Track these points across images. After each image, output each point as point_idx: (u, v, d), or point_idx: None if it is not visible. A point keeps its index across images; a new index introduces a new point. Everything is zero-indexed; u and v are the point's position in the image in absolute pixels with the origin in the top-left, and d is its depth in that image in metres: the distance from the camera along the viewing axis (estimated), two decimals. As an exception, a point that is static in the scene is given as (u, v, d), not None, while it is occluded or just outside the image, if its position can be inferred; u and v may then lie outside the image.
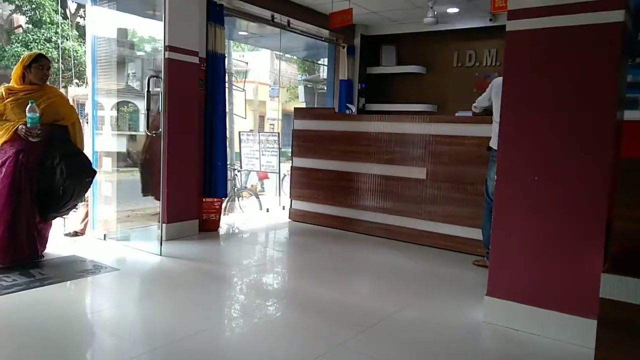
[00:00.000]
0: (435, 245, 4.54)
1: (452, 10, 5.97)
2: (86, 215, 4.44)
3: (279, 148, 6.39)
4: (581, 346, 2.43)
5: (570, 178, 2.54)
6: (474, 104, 4.09)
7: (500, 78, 3.29)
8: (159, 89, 4.11)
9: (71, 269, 3.48)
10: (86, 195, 3.97)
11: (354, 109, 6.86)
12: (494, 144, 3.64)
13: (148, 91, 3.98)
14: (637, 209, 2.12)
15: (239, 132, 6.79)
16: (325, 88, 7.76)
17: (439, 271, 3.89)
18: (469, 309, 2.99)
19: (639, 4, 3.24)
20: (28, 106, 3.32)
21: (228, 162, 5.35)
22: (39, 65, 3.50)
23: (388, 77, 7.28)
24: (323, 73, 10.21)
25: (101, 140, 4.57)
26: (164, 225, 4.22)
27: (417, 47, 7.02)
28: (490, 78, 5.31)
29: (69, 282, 3.22)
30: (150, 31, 5.11)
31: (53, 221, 3.77)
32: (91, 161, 3.90)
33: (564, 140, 2.56)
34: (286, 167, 6.39)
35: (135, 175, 4.87)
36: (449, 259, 4.20)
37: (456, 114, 5.31)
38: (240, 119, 8.24)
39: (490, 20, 5.87)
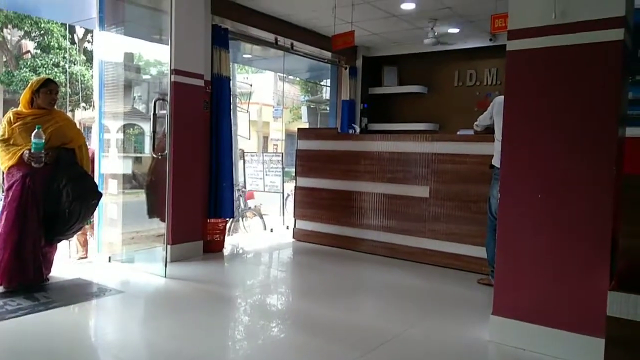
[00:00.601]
0: (439, 264, 4.52)
1: (453, 30, 6.05)
2: (85, 241, 4.44)
3: (283, 168, 6.43)
4: (590, 365, 2.40)
5: (573, 195, 2.54)
6: (475, 123, 4.12)
7: (502, 97, 3.33)
8: (164, 112, 4.16)
9: (76, 292, 3.48)
10: (92, 218, 3.99)
11: (357, 129, 6.91)
12: (496, 162, 3.65)
13: (154, 114, 4.03)
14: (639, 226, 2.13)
15: (243, 152, 6.84)
16: (328, 108, 7.83)
17: (444, 290, 3.86)
18: (474, 328, 2.97)
19: (639, 22, 3.29)
20: (34, 132, 3.36)
21: (235, 183, 5.38)
22: (47, 89, 3.56)
23: (390, 97, 7.35)
24: (326, 94, 10.32)
25: (107, 163, 4.62)
26: (168, 246, 4.23)
27: (419, 67, 7.10)
28: (491, 97, 5.36)
29: (73, 305, 3.21)
30: (157, 55, 5.20)
31: (58, 244, 3.78)
32: (97, 184, 3.94)
33: (567, 158, 2.57)
34: (290, 186, 6.41)
35: (140, 196, 4.89)
36: (453, 278, 4.18)
37: (458, 133, 5.34)
38: (244, 139, 8.31)
39: (490, 40, 5.94)
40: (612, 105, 2.46)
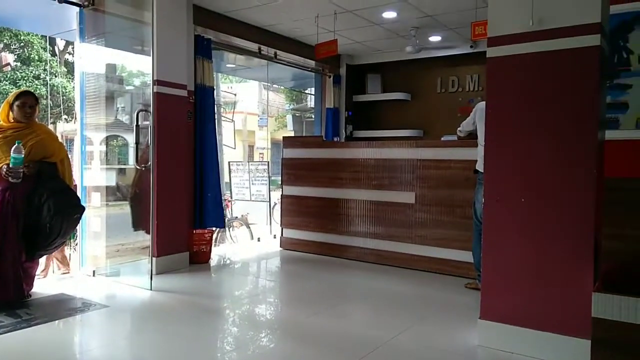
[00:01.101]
0: (427, 269, 4.54)
1: (435, 38, 6.13)
2: (63, 257, 4.34)
3: (269, 177, 6.41)
4: (577, 367, 2.42)
5: (556, 198, 2.58)
6: (458, 128, 4.16)
7: (483, 102, 3.37)
8: (148, 123, 4.13)
9: (59, 308, 3.41)
10: (75, 232, 3.93)
11: (341, 136, 6.94)
12: (480, 166, 3.69)
13: (137, 125, 4.00)
14: (621, 228, 2.16)
15: (229, 162, 6.81)
16: (313, 116, 7.85)
17: (432, 295, 3.88)
18: (463, 333, 2.98)
19: (614, 28, 3.36)
20: (14, 147, 3.30)
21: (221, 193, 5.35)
22: (20, 102, 3.48)
23: (374, 104, 7.40)
24: (310, 102, 10.34)
25: (90, 175, 4.56)
26: (154, 259, 4.17)
27: (402, 75, 7.16)
28: (473, 102, 5.42)
29: (57, 321, 3.15)
30: (139, 66, 5.17)
31: (40, 260, 3.71)
32: (80, 198, 3.88)
33: (549, 162, 2.61)
34: (276, 195, 6.39)
35: (124, 209, 4.84)
36: (441, 283, 4.20)
37: (442, 139, 5.39)
38: (229, 149, 8.28)
39: (471, 46, 6.03)
40: (592, 109, 2.50)
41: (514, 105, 2.72)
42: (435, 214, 4.52)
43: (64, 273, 4.29)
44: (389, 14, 5.22)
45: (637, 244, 2.14)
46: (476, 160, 3.86)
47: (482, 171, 3.05)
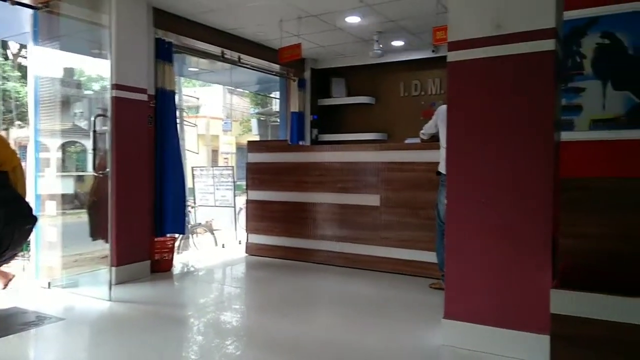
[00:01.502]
0: (392, 271, 4.57)
1: (397, 43, 6.21)
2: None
3: (234, 182, 6.33)
4: (538, 363, 2.47)
5: (516, 199, 2.64)
6: (421, 131, 4.22)
7: (445, 105, 3.42)
8: (106, 128, 4.00)
9: (12, 322, 3.25)
10: (28, 243, 3.75)
11: (307, 139, 6.93)
12: (442, 168, 3.75)
13: (94, 130, 3.87)
14: (577, 226, 2.22)
15: (192, 168, 6.69)
16: (279, 120, 7.82)
17: (397, 297, 3.90)
18: (427, 332, 3.00)
19: (568, 33, 3.49)
20: None
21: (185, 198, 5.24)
22: None
23: (339, 108, 7.43)
24: (275, 106, 10.30)
25: (45, 183, 4.37)
26: (113, 268, 4.03)
27: (366, 79, 7.22)
28: (435, 106, 5.51)
29: (9, 336, 3.00)
30: (98, 70, 5.02)
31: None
32: (32, 208, 3.71)
33: (508, 163, 2.67)
34: (242, 200, 6.31)
35: (82, 217, 4.67)
36: (406, 284, 4.23)
37: (405, 141, 5.46)
38: (193, 154, 8.14)
39: (433, 51, 6.13)
40: (548, 111, 2.58)
41: (474, 108, 2.77)
42: (399, 216, 4.56)
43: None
44: (353, 19, 5.25)
45: (592, 241, 2.21)
46: (439, 162, 3.92)
47: (445, 173, 3.10)
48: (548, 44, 2.55)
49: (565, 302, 2.01)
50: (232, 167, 6.55)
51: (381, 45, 5.97)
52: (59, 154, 4.90)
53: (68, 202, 4.58)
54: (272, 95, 11.01)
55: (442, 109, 3.81)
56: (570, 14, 3.37)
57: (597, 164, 3.51)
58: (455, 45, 2.80)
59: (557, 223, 2.54)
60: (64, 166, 4.86)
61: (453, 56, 2.81)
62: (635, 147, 3.40)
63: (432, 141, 4.15)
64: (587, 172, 3.41)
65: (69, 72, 5.25)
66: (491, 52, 2.69)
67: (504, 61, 2.67)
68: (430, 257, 4.22)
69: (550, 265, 2.53)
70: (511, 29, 2.63)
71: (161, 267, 4.65)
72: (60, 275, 4.21)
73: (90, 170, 4.55)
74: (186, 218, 6.16)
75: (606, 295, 1.97)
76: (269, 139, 12.72)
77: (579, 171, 3.38)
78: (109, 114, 3.98)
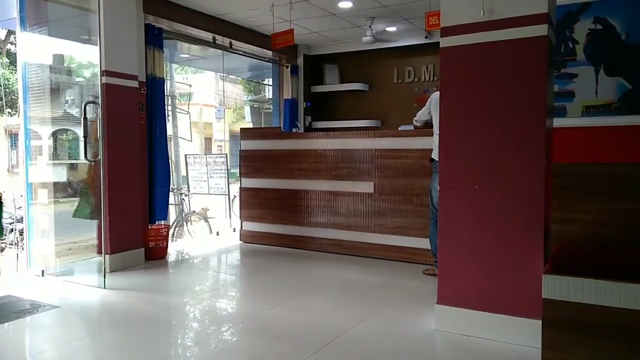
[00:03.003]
0: (386, 257, 4.60)
1: (390, 28, 6.17)
2: None
3: (227, 169, 6.32)
4: (532, 347, 2.51)
5: (508, 185, 2.65)
6: (415, 118, 4.22)
7: (438, 92, 3.42)
8: (97, 115, 3.97)
9: (6, 310, 3.25)
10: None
11: (301, 128, 6.91)
12: (435, 155, 3.75)
13: (85, 118, 3.84)
14: (569, 212, 2.24)
15: (185, 155, 6.66)
16: (272, 108, 7.78)
17: (391, 283, 3.93)
18: (421, 318, 3.04)
19: (561, 18, 3.48)
20: None
21: (174, 186, 5.23)
22: None
23: (332, 94, 7.40)
24: (268, 93, 10.23)
25: (36, 171, 4.34)
26: (107, 256, 4.03)
27: (359, 65, 7.18)
28: (428, 92, 5.51)
29: (4, 324, 3.00)
30: (89, 56, 4.96)
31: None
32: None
33: (500, 149, 2.68)
34: (236, 188, 6.31)
35: (75, 205, 4.65)
36: (400, 270, 4.26)
37: (399, 128, 5.46)
38: (186, 142, 8.10)
39: (426, 37, 6.11)
40: (540, 97, 2.58)
41: (467, 95, 2.77)
42: (393, 203, 4.58)
43: None
44: (345, 4, 5.21)
45: (584, 227, 2.23)
46: (432, 149, 3.92)
47: (438, 159, 3.10)
48: (540, 30, 2.55)
49: (557, 287, 2.04)
50: (226, 154, 6.52)
51: (374, 31, 5.94)
52: (51, 142, 4.86)
53: (61, 190, 4.56)
54: (265, 82, 10.93)
55: (435, 95, 3.81)
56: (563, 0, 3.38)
57: (589, 150, 3.54)
58: (447, 31, 2.79)
59: (549, 208, 2.56)
60: (55, 154, 4.82)
61: (446, 42, 2.80)
62: (628, 133, 3.43)
63: (426, 128, 4.14)
64: (580, 158, 3.44)
65: (58, 58, 5.18)
66: (484, 38, 2.68)
67: (497, 47, 2.66)
68: (424, 243, 4.25)
69: (542, 250, 2.55)
70: (503, 14, 2.61)
71: (156, 255, 4.65)
72: (54, 263, 4.21)
73: (82, 158, 4.53)
74: (177, 206, 6.16)
75: (597, 280, 1.99)
76: (263, 126, 12.66)
77: (572, 157, 3.41)
78: (99, 101, 3.94)
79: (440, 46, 2.81)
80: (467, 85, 2.77)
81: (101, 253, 3.99)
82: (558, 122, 3.27)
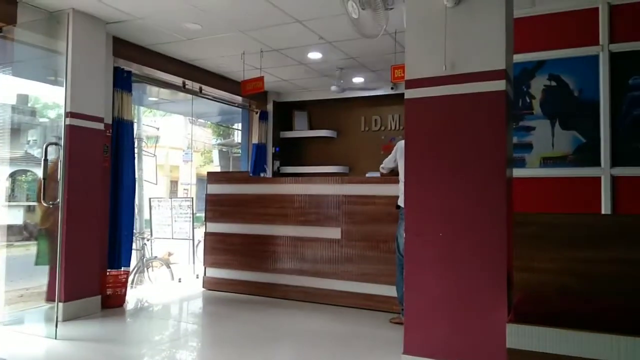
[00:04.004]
0: (353, 305, 4.54)
1: (358, 79, 6.37)
2: None
3: (193, 213, 6.20)
4: (495, 398, 2.48)
5: (471, 233, 2.69)
6: (381, 166, 4.29)
7: (403, 141, 3.50)
8: (59, 156, 3.87)
9: (-56, 364, 3.01)
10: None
11: (269, 172, 6.92)
12: (401, 202, 3.80)
13: (45, 159, 3.73)
14: (530, 260, 2.28)
15: (150, 199, 6.52)
16: (240, 152, 7.78)
17: (357, 332, 3.86)
18: (388, 369, 2.97)
19: (518, 75, 3.68)
20: None
21: (136, 230, 5.10)
22: None
23: (301, 140, 7.48)
24: (237, 137, 10.27)
25: (-11, 213, 4.16)
26: (60, 304, 3.83)
27: (328, 113, 7.34)
28: (394, 141, 5.64)
29: (-61, 380, 2.77)
30: (54, 97, 4.90)
31: None
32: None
33: (463, 198, 2.73)
34: (201, 233, 6.18)
35: (30, 249, 4.45)
36: (367, 318, 4.20)
37: (366, 175, 5.53)
38: (151, 184, 7.95)
39: (392, 88, 6.31)
40: (500, 148, 2.67)
41: (431, 144, 2.84)
42: (360, 249, 4.57)
43: None
44: (314, 55, 5.36)
45: (544, 275, 2.27)
46: (398, 196, 3.97)
47: (404, 206, 3.14)
48: (499, 85, 2.67)
49: (520, 336, 2.04)
50: (192, 198, 6.42)
51: (342, 81, 6.12)
52: (8, 183, 4.69)
53: (16, 233, 4.36)
54: (234, 127, 10.99)
55: (401, 144, 3.90)
56: (519, 57, 3.58)
57: (547, 199, 3.66)
58: (411, 84, 2.89)
59: (511, 257, 2.60)
60: (12, 195, 4.65)
61: (410, 94, 2.90)
62: (583, 184, 3.58)
63: (392, 175, 4.21)
64: (539, 208, 3.55)
65: (22, 98, 5.09)
66: (446, 91, 2.79)
67: (458, 99, 2.77)
68: (391, 290, 4.22)
69: (506, 300, 2.57)
70: (464, 69, 2.74)
71: (113, 303, 4.44)
72: (2, 311, 3.96)
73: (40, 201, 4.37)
74: (138, 251, 5.97)
75: (559, 329, 2.01)
76: (231, 170, 12.62)
77: (531, 206, 3.51)
78: (62, 142, 3.86)
79: (405, 97, 2.91)
80: (430, 135, 2.85)
81: (50, 300, 3.79)
82: (518, 173, 3.39)
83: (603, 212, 3.43)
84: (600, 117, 3.51)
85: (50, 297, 4.01)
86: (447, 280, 2.72)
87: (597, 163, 3.51)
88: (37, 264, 4.29)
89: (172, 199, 6.33)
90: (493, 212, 2.65)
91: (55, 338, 3.48)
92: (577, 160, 3.58)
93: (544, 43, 3.68)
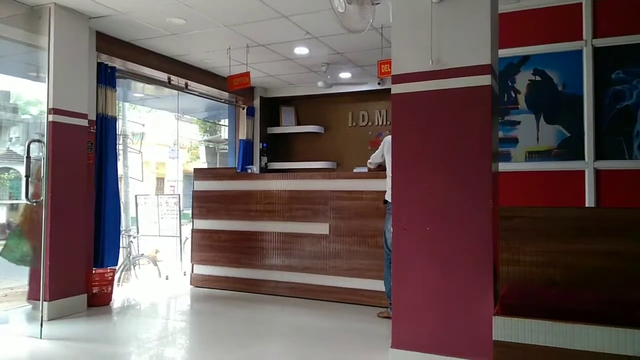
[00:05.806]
0: (341, 300, 4.55)
1: (345, 74, 6.36)
2: None
3: (180, 210, 6.15)
4: (482, 390, 2.50)
5: (457, 227, 2.71)
6: (369, 161, 4.30)
7: (390, 136, 3.51)
8: (42, 154, 3.81)
9: None
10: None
11: (255, 169, 6.89)
12: (388, 197, 3.81)
13: (28, 157, 3.67)
14: (515, 253, 2.31)
15: (136, 196, 6.46)
16: (227, 148, 7.74)
17: (346, 327, 3.87)
18: (376, 364, 2.99)
19: (504, 70, 3.70)
20: None
21: (122, 228, 5.04)
22: None
23: (288, 136, 7.46)
24: (224, 133, 10.20)
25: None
26: (45, 303, 3.77)
27: (315, 108, 7.33)
28: (382, 136, 5.66)
29: None
30: (37, 94, 4.82)
31: None
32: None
33: (450, 192, 2.75)
34: (188, 230, 6.14)
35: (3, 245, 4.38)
36: (355, 313, 4.22)
37: (354, 170, 5.54)
38: (137, 182, 7.88)
39: (379, 83, 6.31)
40: (486, 143, 2.69)
41: (417, 139, 2.85)
42: (348, 245, 4.58)
43: None
44: (301, 50, 5.34)
45: (530, 267, 2.30)
46: (385, 191, 3.98)
47: (391, 201, 3.15)
48: (484, 79, 2.68)
49: (506, 329, 2.06)
50: (178, 195, 6.37)
51: (329, 77, 6.10)
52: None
53: (-1, 232, 4.29)
54: (220, 123, 10.92)
55: (388, 139, 3.91)
56: (505, 52, 3.61)
57: (532, 193, 3.70)
58: (398, 79, 2.89)
59: (497, 250, 2.63)
60: (-7, 194, 4.57)
61: (396, 89, 2.90)
62: (567, 178, 3.62)
63: (379, 170, 4.22)
64: (524, 201, 3.58)
65: (4, 95, 5.00)
66: (432, 86, 2.80)
67: (444, 94, 2.78)
68: (378, 285, 4.24)
69: (492, 292, 2.60)
70: (449, 64, 2.75)
71: (99, 301, 4.40)
72: (-16, 312, 3.90)
73: (23, 199, 4.30)
74: (126, 249, 5.92)
75: (545, 321, 2.03)
76: (218, 166, 12.55)
77: (516, 200, 3.55)
78: (44, 139, 3.80)
79: (392, 92, 2.91)
80: (417, 130, 2.86)
81: (32, 300, 3.74)
82: (503, 167, 3.42)
83: (587, 205, 3.47)
84: (584, 111, 3.55)
85: (31, 296, 3.96)
86: (434, 274, 2.74)
87: (581, 157, 3.55)
88: (2, 256, 4.22)
89: (159, 196, 6.28)
90: (479, 206, 2.66)
91: (40, 338, 3.44)
92: (561, 154, 3.63)
93: (529, 38, 3.71)
